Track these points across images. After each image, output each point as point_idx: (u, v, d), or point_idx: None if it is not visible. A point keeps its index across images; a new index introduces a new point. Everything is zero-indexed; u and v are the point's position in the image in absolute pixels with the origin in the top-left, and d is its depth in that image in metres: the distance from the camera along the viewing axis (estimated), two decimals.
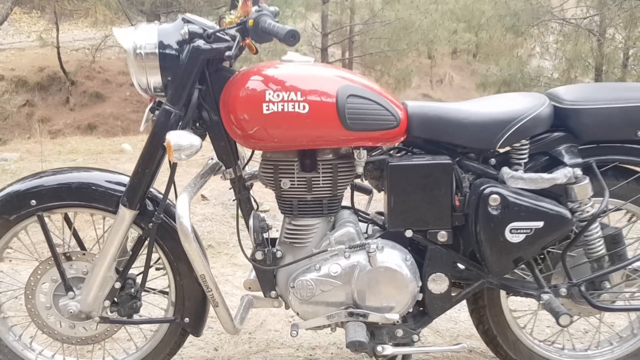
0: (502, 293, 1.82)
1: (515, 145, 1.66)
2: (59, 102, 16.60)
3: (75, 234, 1.84)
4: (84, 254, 1.78)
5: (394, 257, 1.66)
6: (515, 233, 1.59)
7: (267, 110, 1.56)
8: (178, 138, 1.52)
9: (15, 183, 1.75)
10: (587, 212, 1.65)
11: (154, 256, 1.78)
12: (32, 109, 16.26)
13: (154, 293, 1.92)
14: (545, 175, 1.60)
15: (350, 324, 1.66)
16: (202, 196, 3.80)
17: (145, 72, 1.59)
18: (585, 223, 1.65)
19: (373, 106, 1.60)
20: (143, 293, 1.81)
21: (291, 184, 1.68)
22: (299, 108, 1.55)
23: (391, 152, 1.75)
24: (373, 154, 1.72)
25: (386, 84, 12.34)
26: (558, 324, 1.59)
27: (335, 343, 2.22)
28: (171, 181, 1.70)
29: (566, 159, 1.65)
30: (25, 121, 15.71)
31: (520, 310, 1.90)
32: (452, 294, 1.74)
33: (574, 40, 9.68)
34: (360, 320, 1.68)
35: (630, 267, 1.76)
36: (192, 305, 1.82)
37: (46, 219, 1.72)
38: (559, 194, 1.65)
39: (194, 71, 1.58)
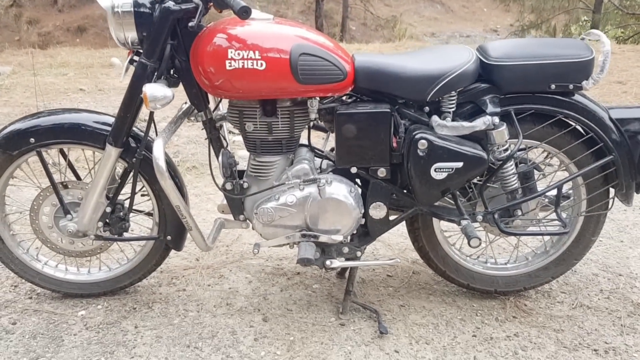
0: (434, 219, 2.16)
1: (444, 96, 1.93)
2: (47, 3, 16.28)
3: (70, 166, 2.15)
4: (78, 183, 2.10)
5: (340, 190, 1.97)
6: (439, 171, 1.89)
7: (230, 66, 1.81)
8: (153, 90, 1.78)
9: (15, 122, 2.03)
10: (504, 153, 1.95)
11: (140, 185, 2.10)
12: (20, 10, 15.99)
13: (143, 214, 2.25)
14: (465, 123, 1.89)
15: (302, 243, 2.00)
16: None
17: (122, 28, 1.83)
18: (501, 162, 1.95)
19: (322, 62, 1.85)
20: (132, 215, 2.15)
21: (254, 127, 1.96)
22: (257, 65, 1.80)
23: (342, 98, 2.01)
24: (325, 102, 1.99)
25: None
26: (469, 245, 1.93)
27: None
28: (150, 123, 1.99)
29: (488, 108, 1.92)
30: (14, 22, 15.50)
31: (451, 231, 2.24)
32: (390, 219, 2.07)
33: None
34: (311, 240, 2.02)
35: (543, 197, 2.10)
36: (173, 225, 2.15)
37: (44, 154, 2.02)
38: (481, 137, 1.94)
39: (165, 28, 1.82)
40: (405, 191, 2.04)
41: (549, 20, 13.11)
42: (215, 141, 2.07)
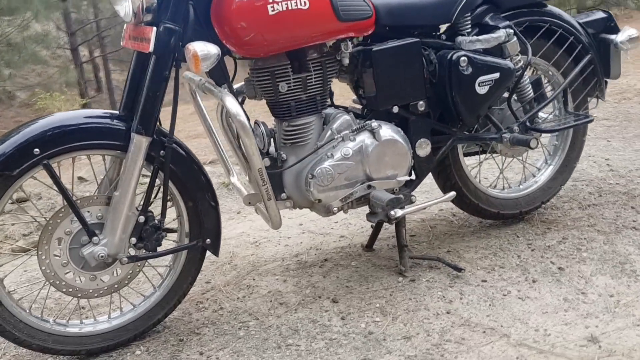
0: (460, 153, 2.18)
1: (460, 20, 1.99)
2: None
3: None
4: (96, 197, 1.71)
5: (390, 131, 1.90)
6: (482, 85, 1.93)
7: (273, 10, 1.66)
8: (203, 47, 1.55)
9: (8, 135, 1.60)
10: (519, 63, 2.06)
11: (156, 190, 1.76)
12: None
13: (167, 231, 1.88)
14: (493, 34, 1.97)
15: (374, 192, 1.87)
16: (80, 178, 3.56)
17: None
18: (519, 72, 2.06)
19: None
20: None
21: (288, 87, 1.81)
22: (300, 4, 1.69)
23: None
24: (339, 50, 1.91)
25: None
26: (530, 147, 1.99)
27: (314, 246, 2.40)
28: (176, 100, 1.70)
29: (498, 23, 2.03)
30: None
31: (471, 166, 2.27)
32: (433, 156, 2.04)
33: None
34: (372, 190, 1.90)
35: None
36: (210, 225, 1.85)
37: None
38: (495, 52, 2.03)
39: None
40: (442, 123, 2.03)
41: None
42: None
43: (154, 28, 1.57)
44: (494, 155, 2.32)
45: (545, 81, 2.29)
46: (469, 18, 2.01)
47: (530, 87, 2.14)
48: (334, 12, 1.74)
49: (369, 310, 1.88)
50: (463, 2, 1.94)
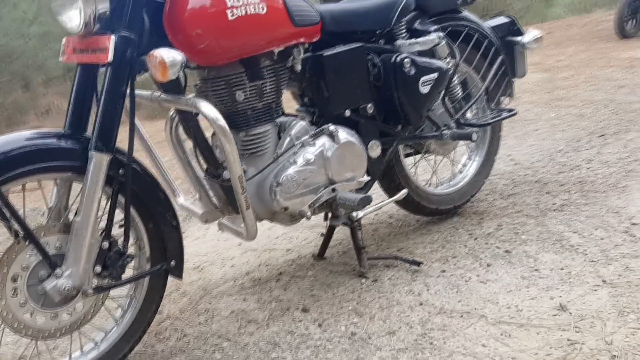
0: (402, 154, 2.26)
1: (397, 25, 2.08)
2: None
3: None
4: (54, 226, 1.55)
5: (347, 134, 1.93)
6: (425, 85, 2.03)
7: (232, 15, 1.63)
8: (169, 54, 1.48)
9: None
10: (449, 64, 2.20)
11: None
12: None
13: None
14: (429, 37, 2.08)
15: (340, 194, 1.87)
16: None
17: (94, 0, 1.47)
18: (451, 73, 2.19)
19: (303, 4, 1.82)
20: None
21: (245, 95, 1.78)
22: (258, 9, 1.67)
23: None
24: (289, 57, 1.91)
25: None
26: (471, 140, 2.12)
27: (262, 263, 2.35)
28: (133, 114, 1.60)
29: (427, 28, 2.15)
30: None
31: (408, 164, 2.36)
32: (382, 157, 2.10)
33: None
34: (334, 194, 1.91)
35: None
36: (173, 246, 1.75)
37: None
38: (427, 54, 2.15)
39: None
40: (387, 125, 2.10)
41: None
42: (197, 130, 1.79)
43: (113, 36, 1.47)
44: (425, 155, 2.43)
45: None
46: (404, 23, 2.11)
47: (459, 86, 2.29)
48: (289, 17, 1.75)
49: (343, 314, 1.87)
50: (400, 7, 2.04)
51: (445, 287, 1.95)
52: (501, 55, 2.41)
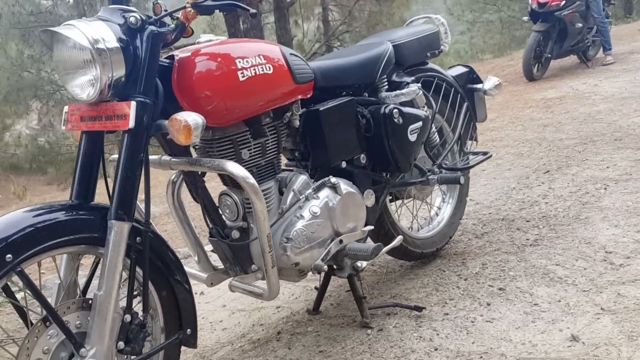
0: (387, 202, 2.31)
1: (380, 78, 2.16)
2: None
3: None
4: (74, 303, 1.44)
5: (347, 185, 1.95)
6: (413, 133, 2.11)
7: (243, 77, 1.64)
8: (190, 117, 1.46)
9: None
10: (427, 113, 2.30)
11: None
12: None
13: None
14: (410, 88, 2.17)
15: (350, 245, 1.88)
16: None
17: (111, 67, 1.44)
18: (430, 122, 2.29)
19: (301, 62, 1.86)
20: None
21: (250, 154, 1.78)
22: (266, 69, 1.69)
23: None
24: (287, 113, 1.94)
25: None
26: (459, 183, 2.20)
27: (255, 323, 2.28)
28: (148, 180, 1.55)
29: (406, 79, 2.25)
30: None
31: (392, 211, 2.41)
32: (376, 205, 2.14)
33: None
34: (340, 246, 1.91)
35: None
36: (188, 313, 1.68)
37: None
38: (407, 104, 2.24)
39: (157, 57, 1.53)
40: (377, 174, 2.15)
41: None
42: (204, 191, 1.76)
43: (133, 102, 1.44)
44: (405, 201, 2.50)
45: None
46: (385, 76, 2.19)
47: (436, 133, 2.39)
48: (291, 74, 1.78)
49: None
50: (384, 62, 2.13)
51: (454, 330, 1.98)
52: (466, 102, 2.55)
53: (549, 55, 6.96)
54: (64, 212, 1.46)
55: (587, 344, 1.76)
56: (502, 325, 1.95)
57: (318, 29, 16.21)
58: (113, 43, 1.44)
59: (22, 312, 1.51)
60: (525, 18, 7.50)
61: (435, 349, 1.88)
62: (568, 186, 3.17)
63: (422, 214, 2.68)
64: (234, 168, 1.53)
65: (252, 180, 1.54)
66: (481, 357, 1.80)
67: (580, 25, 6.86)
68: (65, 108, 1.60)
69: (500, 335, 1.89)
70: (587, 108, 4.95)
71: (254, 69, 1.66)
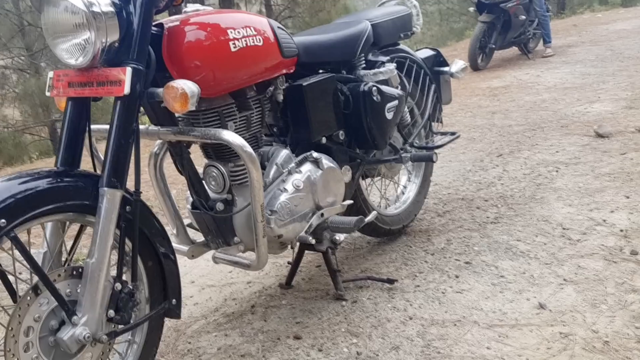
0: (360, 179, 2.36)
1: (359, 56, 2.20)
2: None
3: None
4: (65, 271, 1.42)
5: (328, 160, 1.99)
6: (390, 111, 2.16)
7: (235, 47, 1.64)
8: (187, 85, 1.45)
9: None
10: (402, 92, 2.35)
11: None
12: None
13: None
14: (388, 67, 2.22)
15: (332, 218, 1.92)
16: None
17: (105, 32, 1.41)
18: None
19: (287, 36, 1.87)
20: None
21: (235, 126, 1.78)
22: (257, 41, 1.70)
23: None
24: (270, 87, 1.95)
25: None
26: (432, 161, 2.27)
27: (228, 297, 2.29)
28: (138, 149, 1.53)
29: (379, 59, 2.30)
30: None
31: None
32: (352, 181, 2.18)
33: None
34: (322, 219, 1.95)
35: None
36: (174, 284, 1.67)
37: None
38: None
39: (150, 23, 1.50)
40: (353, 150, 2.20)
41: None
42: (189, 162, 1.75)
43: (128, 68, 1.41)
44: (374, 179, 2.56)
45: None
46: (363, 54, 2.23)
47: (408, 113, 2.45)
48: (279, 48, 1.79)
49: (339, 336, 1.90)
50: (363, 40, 2.17)
51: (426, 300, 2.05)
52: (433, 84, 2.63)
53: (493, 46, 7.19)
54: (51, 178, 1.42)
55: (554, 311, 1.87)
56: (472, 296, 2.04)
57: (260, 13, 16.11)
58: (107, 7, 1.41)
59: (6, 281, 1.47)
60: (472, 9, 7.71)
61: (410, 318, 1.95)
62: (521, 169, 3.32)
63: (388, 193, 2.75)
64: (231, 137, 1.53)
65: (249, 149, 1.55)
66: (455, 324, 1.88)
67: (523, 17, 7.12)
68: (50, 73, 1.55)
69: (471, 305, 1.98)
70: (532, 97, 5.16)
71: (245, 40, 1.66)
